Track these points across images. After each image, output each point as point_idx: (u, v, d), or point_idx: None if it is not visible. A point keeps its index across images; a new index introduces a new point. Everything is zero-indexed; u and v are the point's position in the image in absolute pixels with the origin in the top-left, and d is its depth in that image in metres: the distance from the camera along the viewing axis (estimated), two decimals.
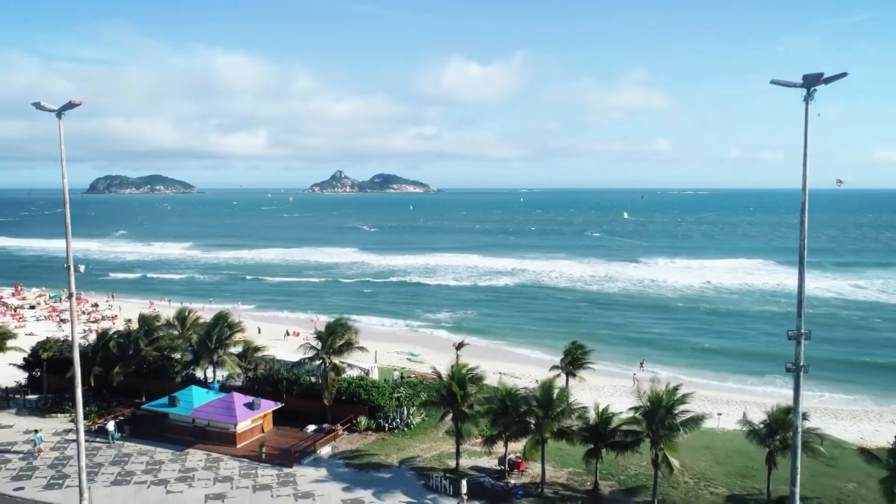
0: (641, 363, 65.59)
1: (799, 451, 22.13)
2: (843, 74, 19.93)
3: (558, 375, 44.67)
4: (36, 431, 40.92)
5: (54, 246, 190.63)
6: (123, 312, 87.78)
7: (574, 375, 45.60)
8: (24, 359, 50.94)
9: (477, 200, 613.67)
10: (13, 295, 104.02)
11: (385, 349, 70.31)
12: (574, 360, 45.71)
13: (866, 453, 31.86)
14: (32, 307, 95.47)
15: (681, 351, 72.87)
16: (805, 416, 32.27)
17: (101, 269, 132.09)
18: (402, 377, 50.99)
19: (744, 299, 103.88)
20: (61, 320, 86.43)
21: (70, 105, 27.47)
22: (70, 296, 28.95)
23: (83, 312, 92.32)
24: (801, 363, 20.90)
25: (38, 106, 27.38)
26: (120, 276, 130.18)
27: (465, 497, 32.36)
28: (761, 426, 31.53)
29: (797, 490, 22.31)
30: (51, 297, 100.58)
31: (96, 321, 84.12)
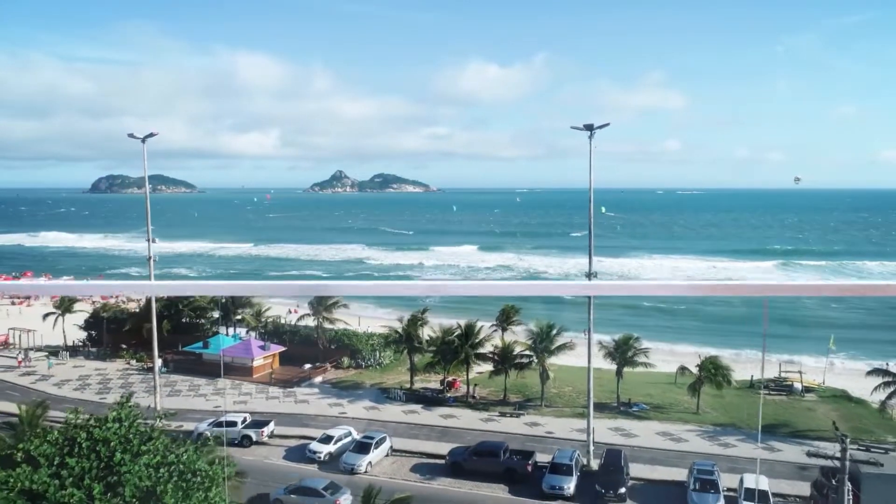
0: (584, 332, 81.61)
1: (590, 348, 38.28)
2: (607, 124, 36.03)
3: (495, 330, 60.97)
4: (48, 357, 60.06)
5: (68, 241, 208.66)
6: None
7: (506, 329, 61.72)
8: (86, 320, 67.69)
9: (477, 200, 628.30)
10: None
11: (370, 324, 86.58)
12: (507, 318, 61.85)
13: (684, 370, 48.10)
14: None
15: (625, 325, 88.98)
16: (637, 339, 48.70)
17: (122, 263, 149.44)
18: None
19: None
20: (93, 302, 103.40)
21: (151, 134, 44.00)
22: (149, 259, 45.52)
23: (112, 297, 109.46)
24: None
25: (130, 135, 43.88)
26: (137, 270, 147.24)
27: (476, 397, 48.68)
28: (610, 348, 47.70)
29: (591, 371, 38.50)
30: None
31: (125, 301, 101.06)
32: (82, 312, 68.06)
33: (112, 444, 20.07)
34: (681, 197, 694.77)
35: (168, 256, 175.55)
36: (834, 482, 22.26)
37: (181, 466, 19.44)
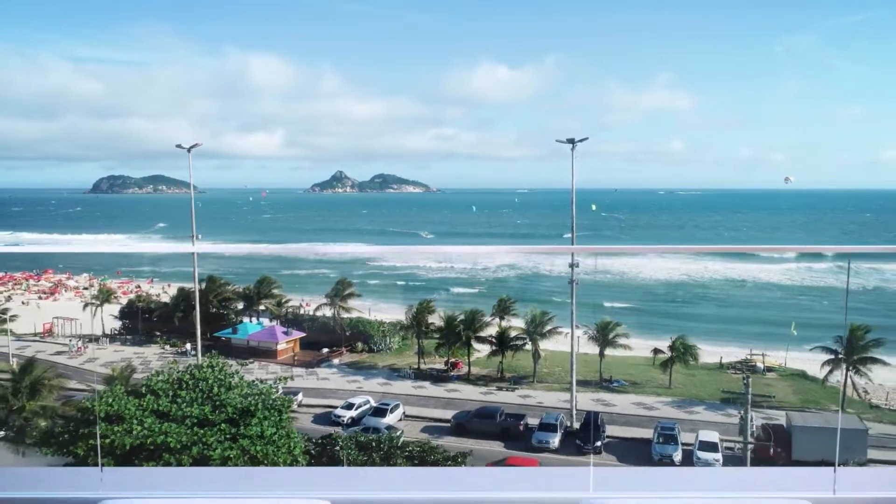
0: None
1: (574, 333, 45.98)
2: (586, 139, 43.71)
3: (492, 318, 68.77)
4: (73, 340, 67.81)
5: (76, 240, 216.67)
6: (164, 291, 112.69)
7: (503, 318, 69.53)
8: (121, 310, 75.63)
9: (481, 201, 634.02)
10: (68, 279, 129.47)
11: (378, 316, 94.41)
12: (504, 309, 69.64)
13: (657, 350, 55.83)
14: (86, 288, 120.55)
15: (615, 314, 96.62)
16: (617, 324, 56.51)
17: (135, 262, 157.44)
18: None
19: (691, 281, 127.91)
20: (114, 297, 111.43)
21: (195, 145, 51.78)
22: (193, 249, 53.31)
23: (131, 292, 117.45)
24: (574, 277, 44.76)
25: (178, 146, 51.68)
26: (151, 268, 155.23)
27: (503, 375, 56.66)
28: (593, 333, 55.50)
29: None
30: (101, 280, 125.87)
31: (145, 294, 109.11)
32: (116, 304, 75.97)
33: (210, 381, 28.08)
34: (684, 197, 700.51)
35: (186, 255, 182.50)
36: (752, 427, 29.75)
37: (262, 396, 27.32)
